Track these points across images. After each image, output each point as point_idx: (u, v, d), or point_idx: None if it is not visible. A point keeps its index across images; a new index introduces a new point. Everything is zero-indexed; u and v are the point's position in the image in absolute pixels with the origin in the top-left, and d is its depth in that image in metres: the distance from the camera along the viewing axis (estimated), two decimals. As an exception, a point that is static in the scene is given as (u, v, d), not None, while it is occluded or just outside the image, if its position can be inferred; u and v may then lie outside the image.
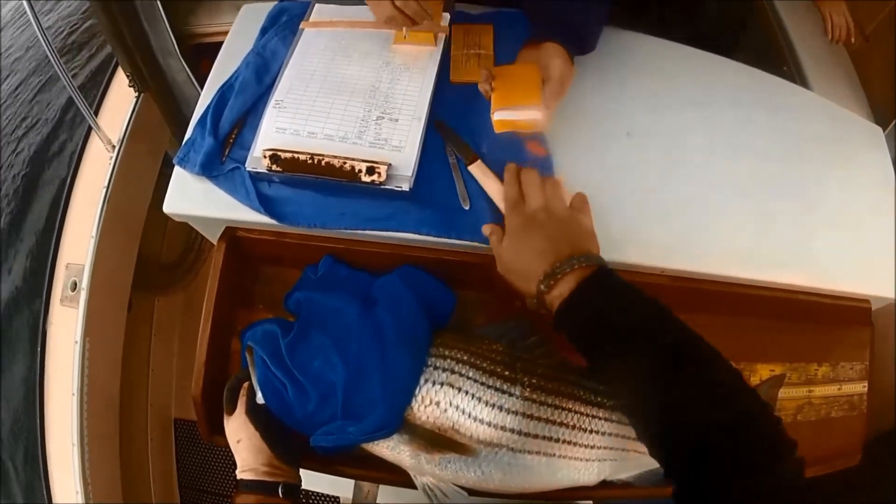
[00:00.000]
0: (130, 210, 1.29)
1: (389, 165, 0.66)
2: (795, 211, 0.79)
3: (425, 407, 0.61)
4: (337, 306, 0.65)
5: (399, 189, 0.65)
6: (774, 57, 1.43)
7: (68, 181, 1.31)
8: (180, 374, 1.66)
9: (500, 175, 0.68)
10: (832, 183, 0.82)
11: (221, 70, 0.81)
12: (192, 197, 0.73)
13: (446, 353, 0.62)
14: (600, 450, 0.66)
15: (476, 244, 0.67)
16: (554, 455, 0.63)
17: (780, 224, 0.78)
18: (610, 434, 0.66)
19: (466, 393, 0.61)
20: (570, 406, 0.64)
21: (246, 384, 0.66)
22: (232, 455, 0.65)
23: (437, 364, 0.62)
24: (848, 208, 0.82)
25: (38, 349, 1.24)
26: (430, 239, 0.67)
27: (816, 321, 0.82)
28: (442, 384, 0.61)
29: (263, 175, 0.70)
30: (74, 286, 1.24)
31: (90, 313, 1.19)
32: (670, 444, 0.45)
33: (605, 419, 0.66)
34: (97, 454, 1.19)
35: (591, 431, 0.65)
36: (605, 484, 0.69)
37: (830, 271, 0.77)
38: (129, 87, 1.25)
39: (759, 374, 0.78)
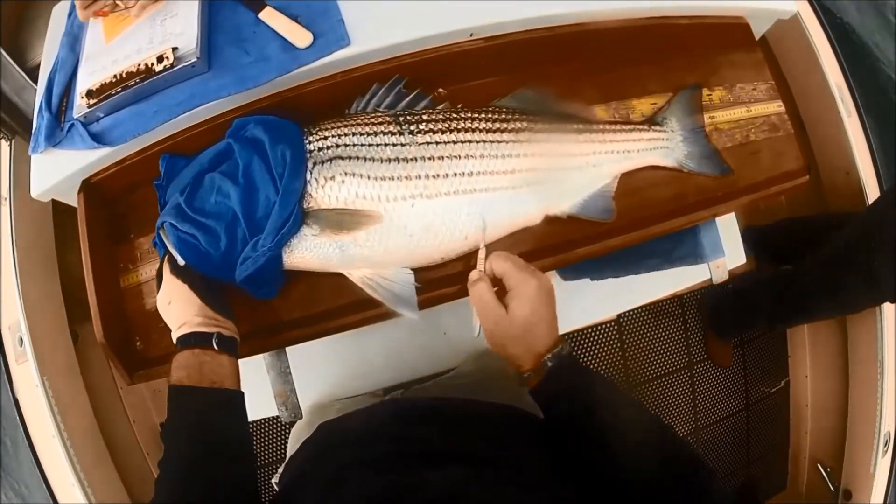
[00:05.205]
0: (40, 249, 1.29)
1: (175, 49, 0.69)
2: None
3: (322, 187, 0.59)
4: (210, 154, 0.66)
5: (191, 64, 0.69)
6: None
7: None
8: (149, 384, 1.66)
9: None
10: None
11: (47, 66, 0.83)
12: (47, 173, 0.77)
13: (326, 134, 0.61)
14: (522, 174, 0.63)
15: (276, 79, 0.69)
16: (473, 190, 0.60)
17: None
18: (525, 155, 0.63)
19: (358, 158, 0.59)
20: (472, 137, 0.61)
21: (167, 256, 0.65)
22: None
23: (320, 146, 0.60)
24: None
25: (18, 420, 1.27)
26: (238, 97, 0.69)
27: (688, 48, 0.78)
28: (331, 160, 0.59)
29: (91, 116, 0.74)
30: (21, 341, 1.27)
31: (39, 356, 1.20)
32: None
33: (514, 141, 0.63)
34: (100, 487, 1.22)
35: (503, 157, 0.62)
36: (554, 226, 0.67)
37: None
38: (1, 139, 1.28)
39: (639, 109, 0.76)
